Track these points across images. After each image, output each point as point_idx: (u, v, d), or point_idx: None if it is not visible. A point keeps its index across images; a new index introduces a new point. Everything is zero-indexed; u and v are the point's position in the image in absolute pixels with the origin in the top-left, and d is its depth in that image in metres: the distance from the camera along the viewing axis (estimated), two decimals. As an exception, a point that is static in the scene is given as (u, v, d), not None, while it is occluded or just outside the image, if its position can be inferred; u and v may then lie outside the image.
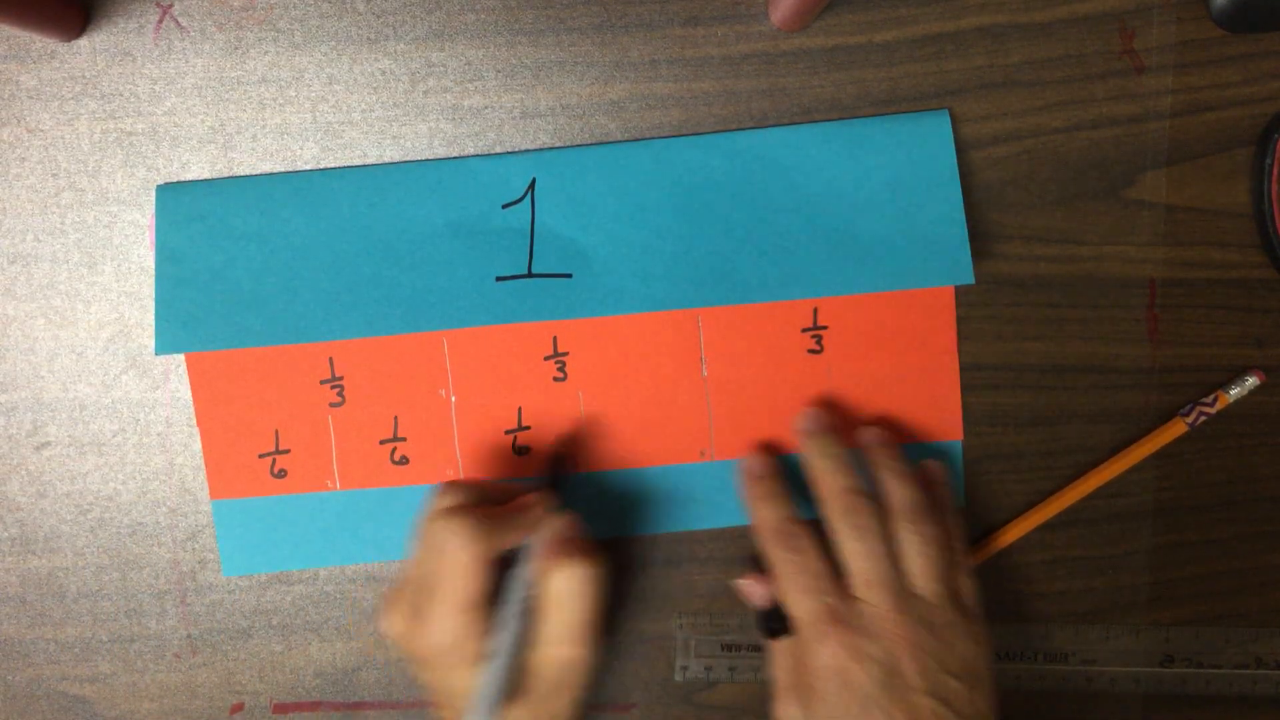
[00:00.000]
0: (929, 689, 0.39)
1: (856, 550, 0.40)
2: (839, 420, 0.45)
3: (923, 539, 0.41)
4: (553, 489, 0.42)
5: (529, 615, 0.38)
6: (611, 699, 0.47)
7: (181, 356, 0.44)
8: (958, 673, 0.39)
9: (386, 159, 0.44)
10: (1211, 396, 0.46)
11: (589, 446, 0.45)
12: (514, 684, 0.37)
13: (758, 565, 0.44)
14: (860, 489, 0.42)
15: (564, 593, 0.38)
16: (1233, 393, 0.46)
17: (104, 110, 0.43)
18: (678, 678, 0.47)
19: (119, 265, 0.44)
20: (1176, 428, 0.46)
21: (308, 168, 0.44)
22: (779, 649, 0.43)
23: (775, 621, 0.42)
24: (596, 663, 0.39)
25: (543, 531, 0.40)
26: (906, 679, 0.39)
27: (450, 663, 0.38)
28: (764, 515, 0.43)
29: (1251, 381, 0.46)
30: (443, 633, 0.37)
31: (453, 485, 0.40)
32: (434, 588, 0.38)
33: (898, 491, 0.42)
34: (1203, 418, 0.46)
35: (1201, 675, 0.47)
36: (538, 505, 0.40)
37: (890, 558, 0.40)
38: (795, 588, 0.41)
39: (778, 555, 0.42)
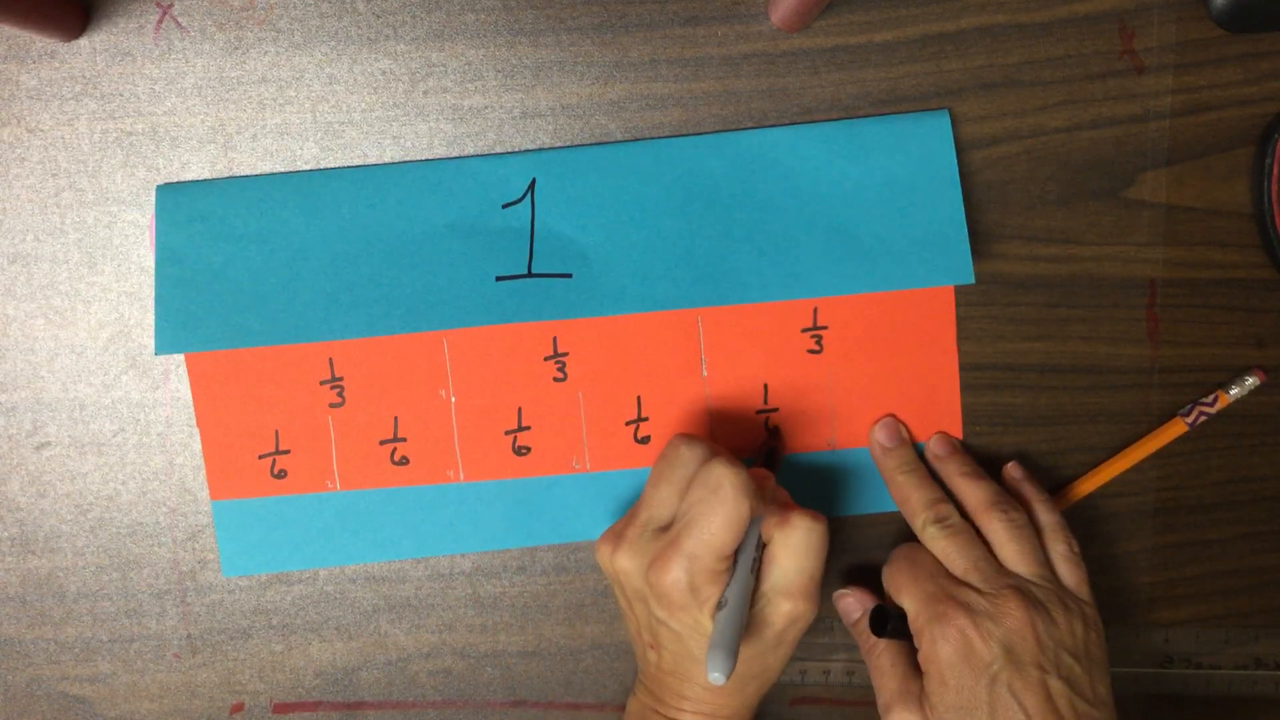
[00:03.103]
0: (1049, 666, 0.39)
1: (950, 547, 0.42)
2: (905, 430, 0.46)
3: (1010, 524, 0.42)
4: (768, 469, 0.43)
5: (757, 572, 0.40)
6: (611, 699, 0.47)
7: (181, 356, 0.44)
8: (1073, 651, 0.40)
9: (386, 159, 0.44)
10: (1211, 396, 0.46)
11: (590, 444, 0.45)
12: (742, 633, 0.38)
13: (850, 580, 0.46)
14: (944, 497, 0.43)
15: (796, 547, 0.39)
16: (1233, 393, 0.46)
17: (104, 110, 0.43)
18: (678, 678, 0.47)
19: (119, 265, 0.44)
20: (1176, 428, 0.46)
21: (308, 168, 0.44)
22: (883, 658, 0.43)
23: (888, 620, 0.42)
24: (814, 620, 0.40)
25: (776, 496, 0.41)
26: (1026, 655, 0.39)
27: (681, 602, 0.38)
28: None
29: (1251, 381, 0.46)
30: (691, 573, 0.38)
31: (701, 439, 0.41)
32: (692, 526, 0.38)
33: (974, 491, 0.43)
34: (1203, 417, 0.46)
35: (1201, 675, 0.47)
36: (770, 477, 0.41)
37: (984, 547, 0.42)
38: (908, 579, 0.41)
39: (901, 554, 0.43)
